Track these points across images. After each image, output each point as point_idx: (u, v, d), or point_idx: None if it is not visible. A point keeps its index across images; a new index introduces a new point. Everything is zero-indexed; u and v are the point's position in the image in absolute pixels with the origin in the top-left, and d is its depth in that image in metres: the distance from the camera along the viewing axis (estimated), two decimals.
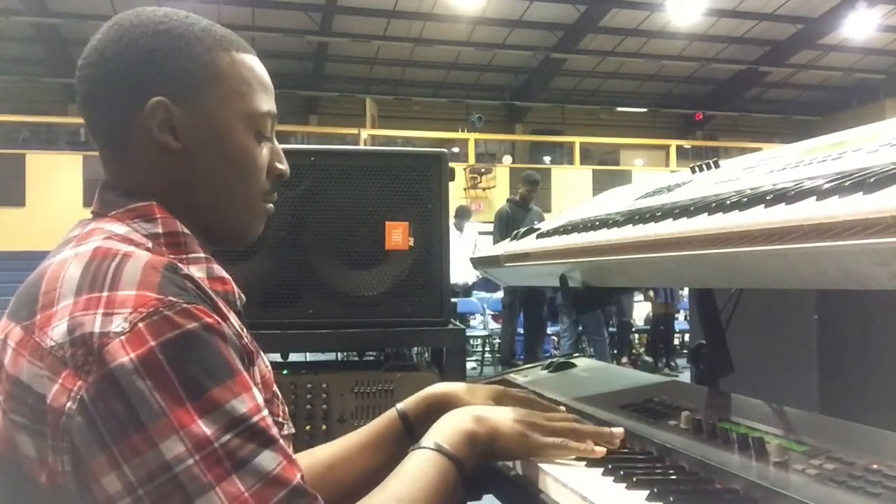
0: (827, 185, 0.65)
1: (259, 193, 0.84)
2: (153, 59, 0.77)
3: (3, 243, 11.36)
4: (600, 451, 0.85)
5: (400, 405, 1.02)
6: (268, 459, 0.64)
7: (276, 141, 0.87)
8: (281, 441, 0.67)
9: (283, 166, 0.87)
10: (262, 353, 0.84)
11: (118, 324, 0.62)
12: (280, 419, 0.82)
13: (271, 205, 0.87)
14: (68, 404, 0.61)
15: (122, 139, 0.79)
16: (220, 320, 0.68)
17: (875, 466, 0.69)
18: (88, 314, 0.63)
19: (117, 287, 0.65)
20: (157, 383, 0.61)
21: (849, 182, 0.63)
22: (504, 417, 0.88)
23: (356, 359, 2.15)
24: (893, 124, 0.85)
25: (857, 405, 1.75)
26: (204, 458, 0.61)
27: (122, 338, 0.62)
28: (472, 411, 0.89)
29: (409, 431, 1.00)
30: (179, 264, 0.71)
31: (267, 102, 0.84)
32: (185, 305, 0.65)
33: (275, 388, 0.84)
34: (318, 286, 1.71)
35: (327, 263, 1.72)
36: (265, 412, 0.67)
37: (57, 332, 0.64)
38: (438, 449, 0.81)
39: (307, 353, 2.34)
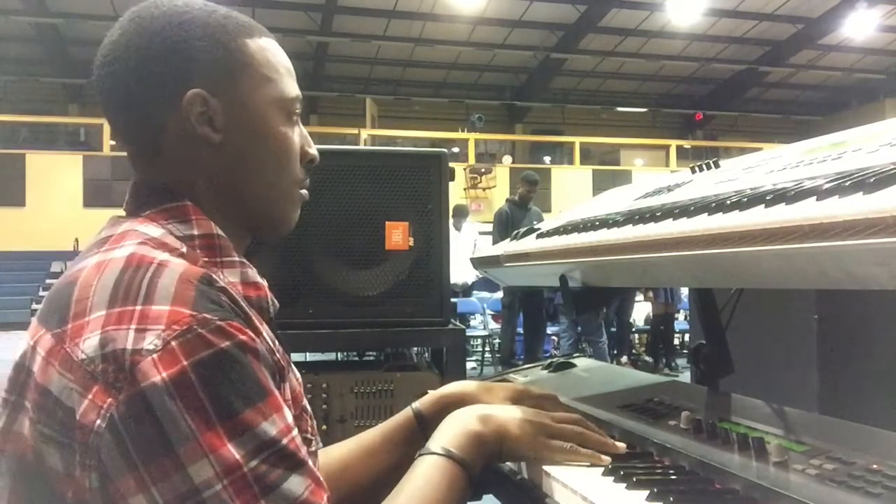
0: (827, 185, 0.65)
1: (296, 180, 0.82)
2: (181, 50, 0.74)
3: (3, 243, 11.37)
4: (606, 459, 0.83)
5: (415, 404, 1.01)
6: (296, 483, 0.63)
7: (302, 125, 0.85)
8: (309, 463, 0.66)
9: (313, 150, 0.84)
10: (292, 364, 0.82)
11: (151, 341, 0.61)
12: (308, 435, 0.80)
13: (305, 191, 0.85)
14: (98, 421, 0.60)
15: (155, 136, 0.76)
16: (254, 337, 0.66)
17: (875, 466, 0.69)
18: (121, 329, 0.62)
19: (151, 301, 0.63)
20: (188, 404, 0.60)
21: (849, 182, 0.63)
22: (512, 417, 0.87)
23: (356, 359, 2.15)
24: (893, 124, 0.85)
25: (857, 405, 1.75)
26: (233, 483, 0.60)
27: (155, 356, 0.60)
28: (477, 411, 0.87)
29: (425, 431, 0.97)
30: (213, 275, 0.69)
31: (294, 86, 0.82)
32: (219, 323, 0.63)
33: (304, 402, 0.82)
34: (318, 286, 1.72)
35: (327, 263, 1.72)
36: (294, 432, 0.66)
37: (88, 344, 0.62)
38: (447, 454, 0.79)
39: (307, 353, 2.34)
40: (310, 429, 0.81)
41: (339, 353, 2.16)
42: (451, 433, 0.83)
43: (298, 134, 0.83)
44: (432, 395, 1.02)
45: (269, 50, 0.80)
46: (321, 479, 0.67)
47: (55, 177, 12.10)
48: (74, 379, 0.62)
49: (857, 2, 13.08)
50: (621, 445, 0.87)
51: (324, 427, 1.64)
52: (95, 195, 11.89)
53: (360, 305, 1.72)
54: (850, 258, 0.59)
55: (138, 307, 0.63)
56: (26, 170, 12.10)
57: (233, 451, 0.60)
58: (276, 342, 0.78)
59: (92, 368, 0.61)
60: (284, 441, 0.64)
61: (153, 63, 0.74)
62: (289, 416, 0.66)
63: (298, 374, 0.84)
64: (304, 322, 1.71)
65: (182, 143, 0.75)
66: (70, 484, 0.62)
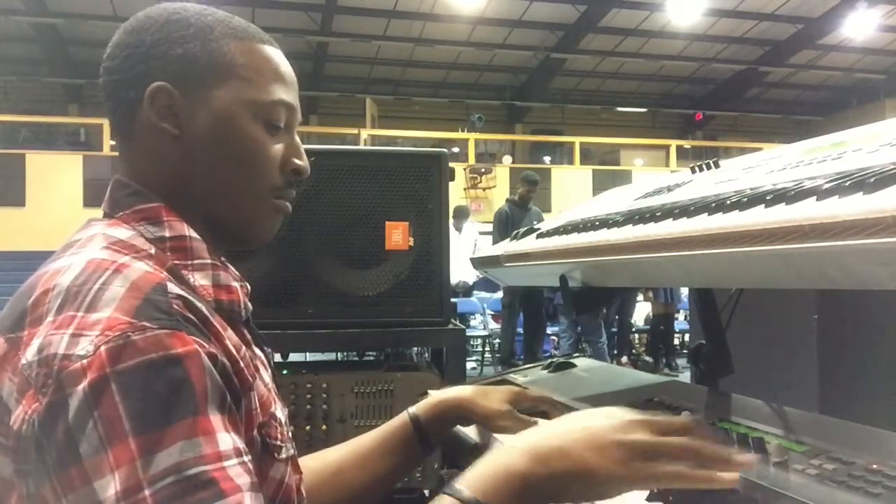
0: (827, 185, 0.65)
1: (268, 188, 0.79)
2: (159, 46, 0.75)
3: (3, 243, 11.35)
4: (732, 477, 0.65)
5: (412, 409, 1.00)
6: None
7: (296, 136, 0.83)
8: (243, 495, 0.58)
9: (301, 162, 0.81)
10: (265, 368, 0.79)
11: (83, 346, 0.59)
12: (278, 442, 0.76)
13: (287, 203, 0.82)
14: (24, 427, 0.59)
15: (129, 131, 0.77)
16: (200, 350, 0.62)
17: (875, 466, 0.69)
18: (58, 333, 0.60)
19: (95, 308, 0.61)
20: (103, 414, 0.56)
21: (849, 182, 0.63)
22: (590, 443, 0.66)
23: (356, 359, 2.15)
24: (893, 124, 0.85)
25: (857, 405, 1.75)
26: None
27: (84, 361, 0.58)
28: (532, 446, 0.68)
29: (421, 436, 0.99)
30: (171, 284, 0.66)
31: (281, 92, 0.79)
32: (157, 331, 0.60)
33: (274, 409, 0.77)
34: (318, 286, 1.72)
35: (327, 263, 1.72)
36: (228, 461, 0.59)
37: (30, 350, 0.61)
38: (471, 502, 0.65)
39: (307, 353, 2.34)
40: (279, 436, 0.77)
41: (339, 353, 2.16)
42: (489, 472, 0.67)
43: (285, 142, 0.80)
44: (429, 399, 1.02)
45: (260, 55, 0.79)
46: None
47: (55, 177, 12.08)
48: (17, 384, 0.61)
49: (857, 2, 13.07)
50: (750, 457, 0.68)
51: (324, 427, 1.64)
52: (95, 195, 11.86)
53: (360, 305, 1.72)
54: (850, 258, 0.59)
55: (80, 313, 0.61)
56: (26, 170, 12.07)
57: (139, 469, 0.55)
58: (252, 347, 0.77)
59: (28, 373, 0.60)
60: (207, 467, 0.57)
61: (133, 58, 0.76)
62: (224, 442, 0.59)
63: (269, 380, 0.79)
64: (304, 322, 1.71)
65: (147, 136, 0.76)
66: (14, 490, 0.61)
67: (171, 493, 0.55)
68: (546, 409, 1.03)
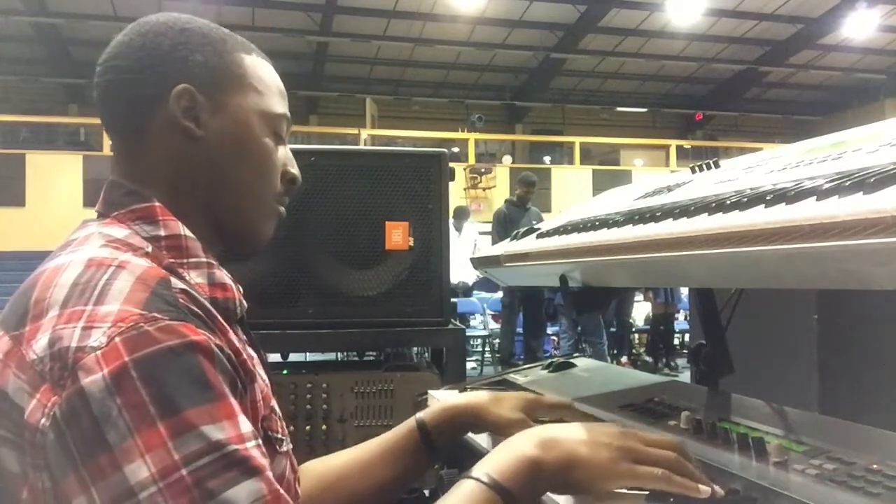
0: (827, 185, 0.65)
1: (273, 194, 0.85)
2: (178, 50, 0.79)
3: (3, 243, 11.35)
4: (706, 490, 0.70)
5: (420, 414, 1.00)
6: (245, 492, 0.59)
7: (287, 147, 0.88)
8: (268, 473, 0.62)
9: (296, 171, 0.87)
10: (262, 364, 0.81)
11: (96, 338, 0.60)
12: (279, 435, 0.79)
13: (283, 208, 0.87)
14: (42, 420, 0.60)
15: (141, 129, 0.78)
16: (209, 338, 0.65)
17: (875, 466, 0.69)
18: (68, 327, 0.62)
19: (103, 301, 0.63)
20: (127, 401, 0.58)
21: (849, 182, 0.63)
22: (583, 440, 0.75)
23: (356, 359, 2.15)
24: (893, 124, 0.85)
25: (857, 405, 1.76)
26: (169, 486, 0.57)
27: (98, 353, 0.60)
28: (540, 434, 0.76)
29: (428, 444, 0.98)
30: (173, 278, 0.69)
31: (283, 106, 0.86)
32: (168, 322, 0.62)
33: (273, 403, 0.81)
34: (318, 286, 1.72)
35: (327, 263, 1.72)
36: (250, 443, 0.62)
37: (39, 345, 0.62)
38: (490, 483, 0.70)
39: (307, 353, 2.34)
40: (280, 429, 0.80)
41: (339, 353, 2.16)
42: (501, 458, 0.73)
43: (283, 153, 0.86)
44: (439, 405, 1.01)
45: (264, 69, 0.85)
46: (281, 491, 0.62)
47: (55, 177, 12.07)
48: (26, 379, 0.62)
49: (857, 2, 13.07)
50: (711, 490, 0.71)
51: (324, 427, 1.64)
52: (95, 195, 11.64)
53: (360, 305, 1.72)
54: (850, 258, 0.59)
55: (89, 307, 0.63)
56: (26, 170, 12.06)
57: (172, 452, 0.58)
58: (246, 344, 0.78)
59: (40, 368, 0.61)
60: (234, 447, 0.60)
61: (151, 59, 0.78)
62: (244, 425, 0.63)
63: (266, 376, 0.82)
64: (304, 322, 1.71)
65: (165, 135, 0.78)
66: (25, 485, 0.62)
67: (208, 472, 0.58)
68: (568, 416, 0.99)
